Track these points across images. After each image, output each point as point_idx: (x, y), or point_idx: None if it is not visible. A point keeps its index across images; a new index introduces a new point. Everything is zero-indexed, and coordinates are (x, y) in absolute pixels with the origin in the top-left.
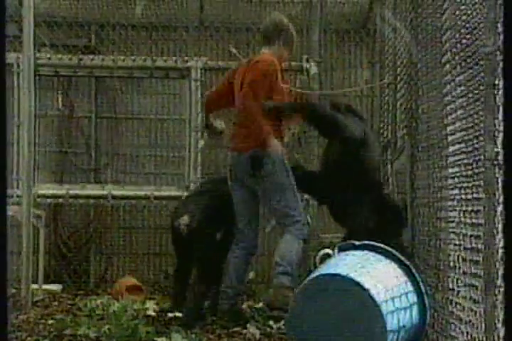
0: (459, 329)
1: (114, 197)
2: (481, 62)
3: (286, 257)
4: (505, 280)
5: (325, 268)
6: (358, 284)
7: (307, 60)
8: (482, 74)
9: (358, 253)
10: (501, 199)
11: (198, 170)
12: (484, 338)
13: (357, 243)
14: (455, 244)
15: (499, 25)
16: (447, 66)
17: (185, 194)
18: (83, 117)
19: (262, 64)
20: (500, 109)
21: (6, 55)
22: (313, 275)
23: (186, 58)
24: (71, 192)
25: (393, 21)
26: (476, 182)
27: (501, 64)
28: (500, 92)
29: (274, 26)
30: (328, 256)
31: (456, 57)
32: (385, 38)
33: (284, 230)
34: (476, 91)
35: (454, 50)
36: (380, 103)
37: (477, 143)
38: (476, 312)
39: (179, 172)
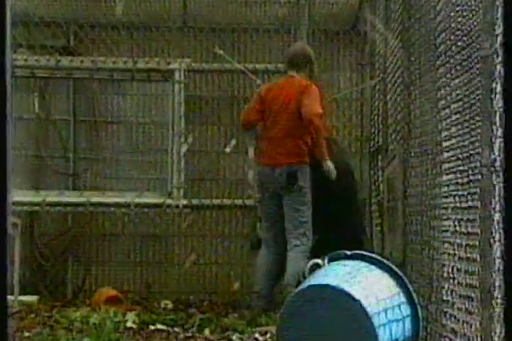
0: None
1: (92, 205)
2: (478, 66)
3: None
4: (506, 291)
5: (314, 279)
6: (348, 295)
7: None
8: (479, 77)
9: (348, 263)
10: (498, 208)
11: (182, 175)
12: None
13: (348, 252)
14: (449, 254)
15: (496, 27)
16: (442, 69)
17: (168, 201)
18: (61, 120)
19: (315, 90)
20: (498, 114)
21: (5, 56)
22: (302, 285)
23: (169, 60)
24: (48, 199)
25: (378, 26)
26: (472, 190)
27: (499, 67)
28: (498, 97)
29: (304, 57)
30: (317, 266)
31: (451, 60)
32: (375, 40)
33: (292, 242)
34: (473, 96)
35: (449, 52)
36: (370, 107)
37: (473, 149)
38: (471, 325)
39: (161, 178)
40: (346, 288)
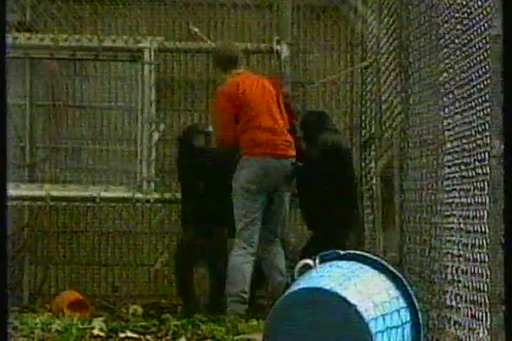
0: None
1: (53, 199)
2: (487, 46)
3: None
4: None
5: (305, 281)
6: (343, 299)
7: (278, 42)
8: (487, 59)
9: (343, 264)
10: None
11: (152, 166)
12: None
13: (342, 252)
14: (453, 254)
15: None
16: (445, 50)
17: (137, 195)
18: (15, 105)
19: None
20: None
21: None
22: (291, 289)
23: (138, 38)
24: None
25: (361, 9)
26: (479, 184)
27: None
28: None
29: (236, 53)
30: (308, 267)
31: (456, 40)
32: (365, 18)
33: (275, 240)
34: (480, 80)
35: (454, 31)
36: (361, 91)
37: (480, 138)
38: (478, 333)
39: (130, 170)
40: (341, 291)
